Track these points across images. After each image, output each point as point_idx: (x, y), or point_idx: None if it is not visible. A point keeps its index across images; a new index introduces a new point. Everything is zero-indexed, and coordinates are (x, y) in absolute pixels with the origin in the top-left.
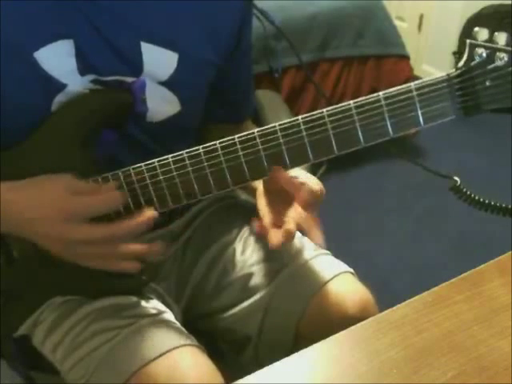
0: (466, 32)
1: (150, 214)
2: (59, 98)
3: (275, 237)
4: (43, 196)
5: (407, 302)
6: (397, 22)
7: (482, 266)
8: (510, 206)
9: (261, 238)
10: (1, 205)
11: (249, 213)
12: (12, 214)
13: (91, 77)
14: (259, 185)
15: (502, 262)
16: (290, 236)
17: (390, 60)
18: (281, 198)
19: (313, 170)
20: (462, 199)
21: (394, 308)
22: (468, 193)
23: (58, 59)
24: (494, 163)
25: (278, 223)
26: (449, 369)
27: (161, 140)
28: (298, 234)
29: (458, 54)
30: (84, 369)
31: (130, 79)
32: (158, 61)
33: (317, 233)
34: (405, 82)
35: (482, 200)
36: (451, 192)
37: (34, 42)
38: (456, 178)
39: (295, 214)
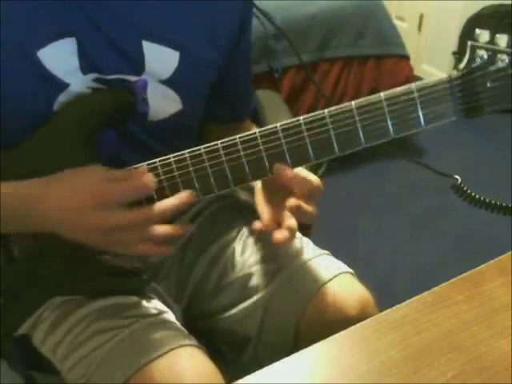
0: (466, 32)
1: (186, 194)
2: (61, 98)
3: (280, 233)
4: (76, 187)
5: (407, 302)
6: (397, 22)
7: (482, 266)
8: (510, 205)
9: (260, 235)
10: (34, 202)
11: (249, 213)
12: (48, 208)
13: (93, 75)
14: (257, 183)
15: (502, 262)
16: (292, 233)
17: (389, 60)
18: (279, 195)
19: (313, 170)
20: (463, 198)
21: (394, 308)
22: (469, 192)
23: (60, 58)
24: (494, 163)
25: (277, 219)
26: (449, 369)
27: (162, 139)
28: (298, 234)
29: (457, 54)
30: (84, 369)
31: (132, 78)
32: (160, 59)
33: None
34: (405, 82)
35: (482, 199)
36: (452, 191)
37: (37, 41)
38: (457, 177)
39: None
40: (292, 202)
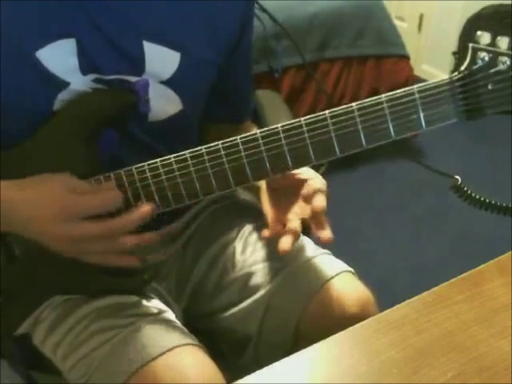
0: (466, 32)
1: (146, 208)
2: (61, 97)
3: (285, 243)
4: (43, 195)
5: (407, 301)
6: (397, 22)
7: (482, 266)
8: (510, 206)
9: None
10: (3, 204)
11: (249, 212)
12: (13, 212)
13: (93, 76)
14: (262, 183)
15: (502, 262)
16: (296, 234)
17: (389, 60)
18: (285, 196)
19: (313, 170)
20: (463, 198)
21: (394, 308)
22: (469, 192)
23: (60, 58)
24: (494, 164)
25: (283, 221)
26: (449, 369)
27: (162, 140)
28: None
29: (457, 54)
30: (85, 368)
31: (132, 78)
32: (160, 60)
33: (325, 231)
34: (405, 82)
35: (482, 199)
36: (452, 191)
37: (36, 41)
38: (457, 177)
39: (300, 209)
40: (297, 209)
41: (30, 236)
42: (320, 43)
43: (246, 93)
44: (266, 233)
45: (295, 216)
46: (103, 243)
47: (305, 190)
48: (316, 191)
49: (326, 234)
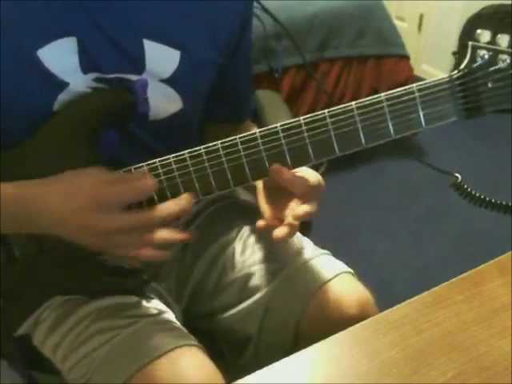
0: (466, 32)
1: (185, 197)
2: (62, 97)
3: (279, 231)
4: (76, 188)
5: (407, 301)
6: (397, 22)
7: (482, 266)
8: (510, 204)
9: (261, 235)
10: (33, 202)
11: (248, 213)
12: (47, 209)
13: (94, 75)
14: (259, 182)
15: (502, 261)
16: (293, 229)
17: (389, 60)
18: (281, 194)
19: (313, 169)
20: (463, 196)
21: (394, 308)
22: (469, 190)
23: (60, 57)
24: (494, 161)
25: (280, 218)
26: (449, 369)
27: (162, 139)
28: (298, 233)
29: (457, 54)
30: (85, 368)
31: (132, 77)
32: (161, 58)
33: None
34: (405, 82)
35: (482, 197)
36: (452, 189)
37: (37, 40)
38: (457, 175)
39: (296, 207)
40: (293, 207)
41: (59, 233)
42: (320, 43)
43: (246, 93)
44: (260, 223)
45: (291, 214)
46: (137, 235)
47: (299, 189)
48: (309, 188)
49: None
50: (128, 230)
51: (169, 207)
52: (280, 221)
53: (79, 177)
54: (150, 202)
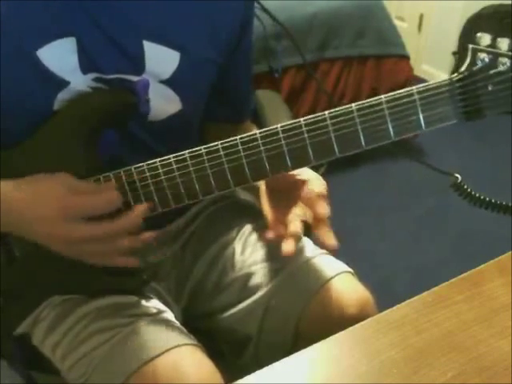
0: (466, 32)
1: (142, 207)
2: (61, 96)
3: (288, 246)
4: (42, 195)
5: (407, 301)
6: (397, 22)
7: (482, 266)
8: (510, 204)
9: (262, 233)
10: (1, 204)
11: (248, 213)
12: (12, 212)
13: (93, 75)
14: (262, 184)
15: (502, 261)
16: (296, 237)
17: (389, 60)
18: (284, 197)
19: (313, 170)
20: (463, 197)
21: (394, 308)
22: (469, 190)
23: (60, 57)
24: (494, 162)
25: (283, 222)
26: (449, 369)
27: (162, 139)
28: None
29: (457, 55)
30: (84, 368)
31: (132, 77)
32: (160, 59)
33: (331, 240)
34: (405, 82)
35: (482, 198)
36: (452, 189)
37: (37, 40)
38: (457, 175)
39: (300, 211)
40: (297, 211)
41: (28, 236)
42: (320, 43)
43: (246, 93)
44: (269, 234)
45: (296, 217)
46: (101, 245)
47: (305, 194)
48: (317, 196)
49: (332, 242)
50: (92, 240)
51: (127, 219)
52: (283, 225)
53: (47, 184)
54: (121, 210)
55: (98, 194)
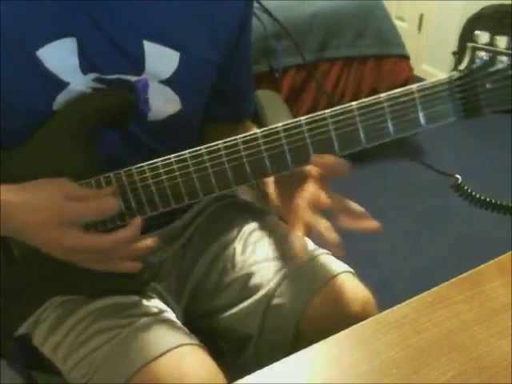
0: (466, 32)
1: (137, 221)
2: (61, 97)
3: (299, 244)
4: (39, 201)
5: (407, 302)
6: (397, 22)
7: (482, 265)
8: (510, 205)
9: (263, 233)
10: (2, 211)
11: (249, 212)
12: (11, 217)
13: (93, 75)
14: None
15: (502, 261)
16: (307, 231)
17: (389, 60)
18: (290, 180)
19: None
20: (463, 197)
21: (394, 308)
22: (469, 191)
23: (60, 57)
24: (494, 163)
25: (290, 207)
26: (449, 369)
27: (162, 139)
28: None
29: (457, 54)
30: (85, 368)
31: (132, 77)
32: (160, 59)
33: (368, 221)
34: (405, 82)
35: (482, 198)
36: (452, 190)
37: (37, 41)
38: (457, 176)
39: (308, 194)
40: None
41: (25, 240)
42: (320, 43)
43: (246, 92)
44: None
45: (304, 202)
46: (97, 254)
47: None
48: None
49: (371, 223)
50: (85, 250)
51: (122, 234)
52: (293, 211)
53: (44, 189)
54: (128, 207)
55: (93, 201)
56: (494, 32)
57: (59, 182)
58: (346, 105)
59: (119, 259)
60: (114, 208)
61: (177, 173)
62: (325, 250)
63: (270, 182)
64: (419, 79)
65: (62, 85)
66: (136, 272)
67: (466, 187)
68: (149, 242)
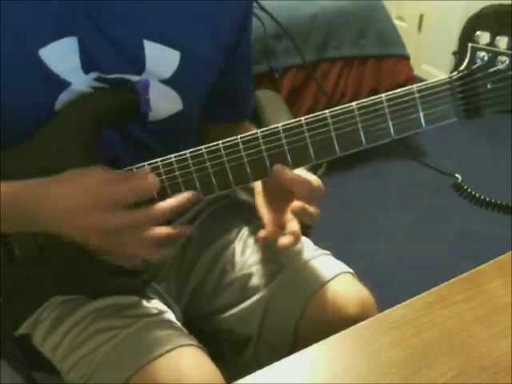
0: (466, 32)
1: (187, 194)
2: (63, 97)
3: (285, 239)
4: (78, 188)
5: (407, 302)
6: (397, 22)
7: (482, 265)
8: (510, 204)
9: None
10: (35, 202)
11: (249, 213)
12: (49, 208)
13: (95, 74)
14: (258, 184)
15: (502, 261)
16: (296, 237)
17: (390, 60)
18: (280, 197)
19: (313, 170)
20: (463, 196)
21: (394, 308)
22: (469, 190)
23: (61, 57)
24: (495, 162)
25: (281, 222)
26: (449, 369)
27: (162, 139)
28: None
29: (457, 54)
30: (84, 369)
31: (132, 77)
32: (161, 59)
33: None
34: (405, 82)
35: (482, 197)
36: (452, 189)
37: (38, 40)
38: (457, 175)
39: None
40: (295, 204)
41: (68, 232)
42: (320, 43)
43: (246, 92)
44: (261, 233)
45: (292, 218)
46: (137, 233)
47: (302, 189)
48: (311, 189)
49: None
50: (128, 229)
51: (168, 203)
52: (280, 227)
53: (81, 177)
54: (151, 201)
55: (133, 181)
56: (494, 32)
57: (95, 169)
58: (346, 105)
59: (153, 244)
60: (156, 185)
61: (177, 173)
62: (325, 251)
63: (259, 195)
64: (419, 79)
65: (63, 84)
66: (136, 272)
67: (466, 187)
68: (185, 228)
